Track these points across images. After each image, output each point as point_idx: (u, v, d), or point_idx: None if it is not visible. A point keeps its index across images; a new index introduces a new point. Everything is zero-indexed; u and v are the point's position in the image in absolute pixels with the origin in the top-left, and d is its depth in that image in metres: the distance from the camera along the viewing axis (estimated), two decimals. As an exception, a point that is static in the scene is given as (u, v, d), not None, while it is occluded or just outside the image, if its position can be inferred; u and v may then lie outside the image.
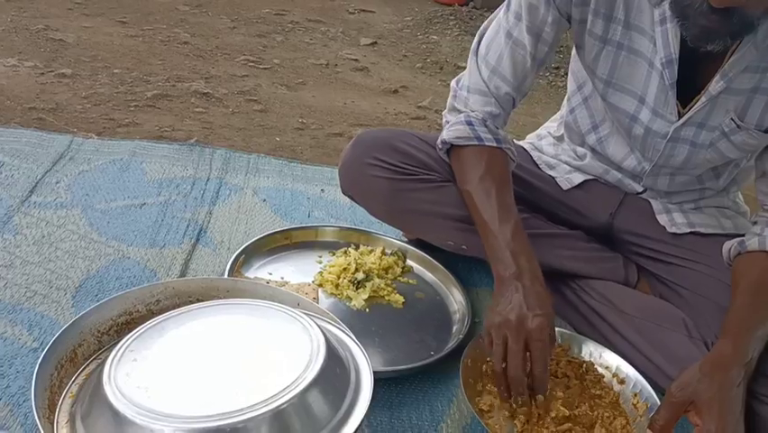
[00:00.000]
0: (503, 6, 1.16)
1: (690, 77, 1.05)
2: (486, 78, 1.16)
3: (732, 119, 1.07)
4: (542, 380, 0.96)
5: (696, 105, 1.07)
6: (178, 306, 0.93)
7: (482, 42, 1.18)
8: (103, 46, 2.60)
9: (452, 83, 1.23)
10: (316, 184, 1.72)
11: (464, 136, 1.16)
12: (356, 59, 3.11)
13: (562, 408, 0.99)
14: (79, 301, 1.15)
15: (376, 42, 3.46)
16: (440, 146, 1.21)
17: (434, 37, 3.72)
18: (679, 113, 1.10)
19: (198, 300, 0.95)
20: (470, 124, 1.16)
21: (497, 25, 1.16)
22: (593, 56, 1.13)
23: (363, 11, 4.08)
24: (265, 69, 2.73)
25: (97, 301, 0.93)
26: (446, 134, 1.19)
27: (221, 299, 0.96)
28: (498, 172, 1.14)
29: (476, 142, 1.15)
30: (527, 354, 0.95)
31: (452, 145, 1.19)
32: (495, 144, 1.15)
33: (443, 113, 1.25)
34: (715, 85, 1.03)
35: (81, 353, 0.88)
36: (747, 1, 0.82)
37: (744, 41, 0.97)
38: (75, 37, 2.63)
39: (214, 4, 3.55)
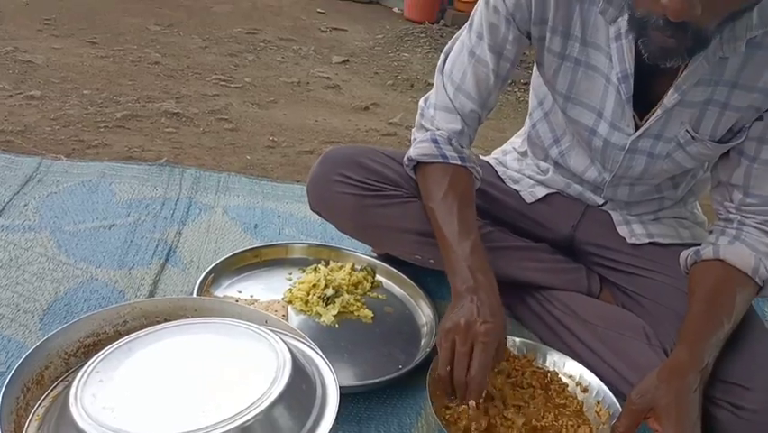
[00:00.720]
0: (466, 26, 1.19)
1: (647, 90, 1.09)
2: (451, 95, 1.19)
3: (687, 131, 1.10)
4: (477, 381, 0.95)
5: (652, 118, 1.10)
6: (146, 326, 0.93)
7: (447, 61, 1.21)
8: (72, 67, 2.60)
9: (420, 102, 1.26)
10: (287, 202, 1.74)
11: (429, 154, 1.18)
12: (328, 77, 3.14)
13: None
14: (47, 324, 1.15)
15: (348, 60, 3.50)
16: (406, 163, 1.24)
17: (405, 54, 3.77)
18: (636, 125, 1.13)
19: (166, 320, 0.96)
20: (435, 142, 1.18)
21: (460, 44, 1.19)
22: (552, 72, 1.16)
23: (335, 29, 4.13)
24: (236, 87, 2.75)
25: (65, 324, 0.93)
26: (412, 151, 1.21)
27: (188, 318, 0.97)
28: (461, 190, 1.17)
29: (441, 160, 1.17)
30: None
31: (418, 162, 1.21)
32: (459, 163, 1.18)
33: (412, 130, 1.27)
34: (669, 98, 1.06)
35: (48, 375, 0.88)
36: (701, 15, 0.84)
37: (696, 55, 1.00)
38: (44, 58, 2.63)
39: (185, 24, 3.57)
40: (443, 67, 1.22)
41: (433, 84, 1.25)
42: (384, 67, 3.50)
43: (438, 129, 1.20)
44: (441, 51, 1.24)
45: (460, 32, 1.21)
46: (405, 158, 1.24)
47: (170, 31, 3.40)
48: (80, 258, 1.35)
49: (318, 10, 4.57)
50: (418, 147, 1.20)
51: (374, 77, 3.32)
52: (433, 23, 4.49)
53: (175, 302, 0.99)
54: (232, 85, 2.76)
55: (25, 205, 1.50)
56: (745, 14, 0.92)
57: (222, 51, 3.22)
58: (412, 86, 3.24)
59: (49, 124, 2.02)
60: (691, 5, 0.82)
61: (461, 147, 1.20)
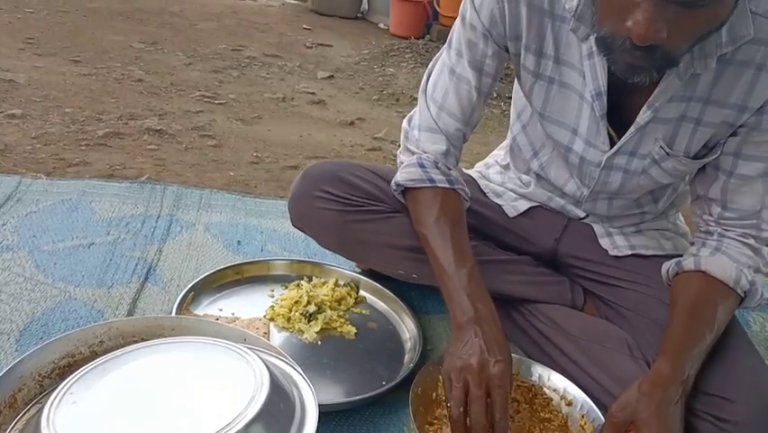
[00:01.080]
0: (445, 45, 1.19)
1: (621, 107, 1.08)
2: (434, 115, 1.18)
3: (661, 147, 1.10)
4: (502, 427, 0.93)
5: (626, 135, 1.10)
6: (123, 346, 0.92)
7: (429, 81, 1.21)
8: (55, 85, 2.58)
9: (404, 123, 1.24)
10: (270, 218, 1.73)
11: (417, 178, 1.17)
12: (313, 93, 3.14)
13: None
14: (23, 345, 1.13)
15: (333, 76, 3.51)
16: (394, 188, 1.23)
17: (391, 69, 3.78)
18: (612, 142, 1.13)
19: (143, 340, 0.94)
20: (422, 166, 1.17)
21: (441, 64, 1.19)
22: (528, 89, 1.17)
23: (321, 45, 4.14)
24: (220, 104, 2.74)
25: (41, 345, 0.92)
26: (399, 177, 1.20)
27: (166, 337, 0.95)
28: (452, 214, 1.15)
29: (429, 184, 1.16)
30: (488, 399, 0.94)
31: (406, 187, 1.21)
32: (448, 186, 1.16)
33: (398, 152, 1.26)
34: (642, 115, 1.06)
35: (21, 398, 0.87)
36: (667, 39, 0.84)
37: (667, 72, 1.00)
38: (26, 77, 2.61)
39: (169, 42, 3.57)
40: (426, 87, 1.21)
41: (418, 98, 1.25)
42: (369, 82, 3.51)
43: (424, 152, 1.19)
44: (426, 66, 1.24)
45: (440, 51, 1.21)
46: (392, 183, 1.22)
47: (155, 48, 3.40)
48: (58, 278, 1.33)
49: (304, 26, 4.59)
50: (405, 172, 1.19)
51: (359, 92, 3.33)
52: (418, 39, 4.51)
53: (152, 321, 0.98)
54: (216, 101, 2.75)
55: (3, 225, 1.48)
56: (713, 34, 0.92)
57: (206, 68, 3.22)
58: (397, 100, 3.25)
59: (29, 143, 2.01)
60: (656, 30, 0.82)
61: (448, 169, 1.19)
